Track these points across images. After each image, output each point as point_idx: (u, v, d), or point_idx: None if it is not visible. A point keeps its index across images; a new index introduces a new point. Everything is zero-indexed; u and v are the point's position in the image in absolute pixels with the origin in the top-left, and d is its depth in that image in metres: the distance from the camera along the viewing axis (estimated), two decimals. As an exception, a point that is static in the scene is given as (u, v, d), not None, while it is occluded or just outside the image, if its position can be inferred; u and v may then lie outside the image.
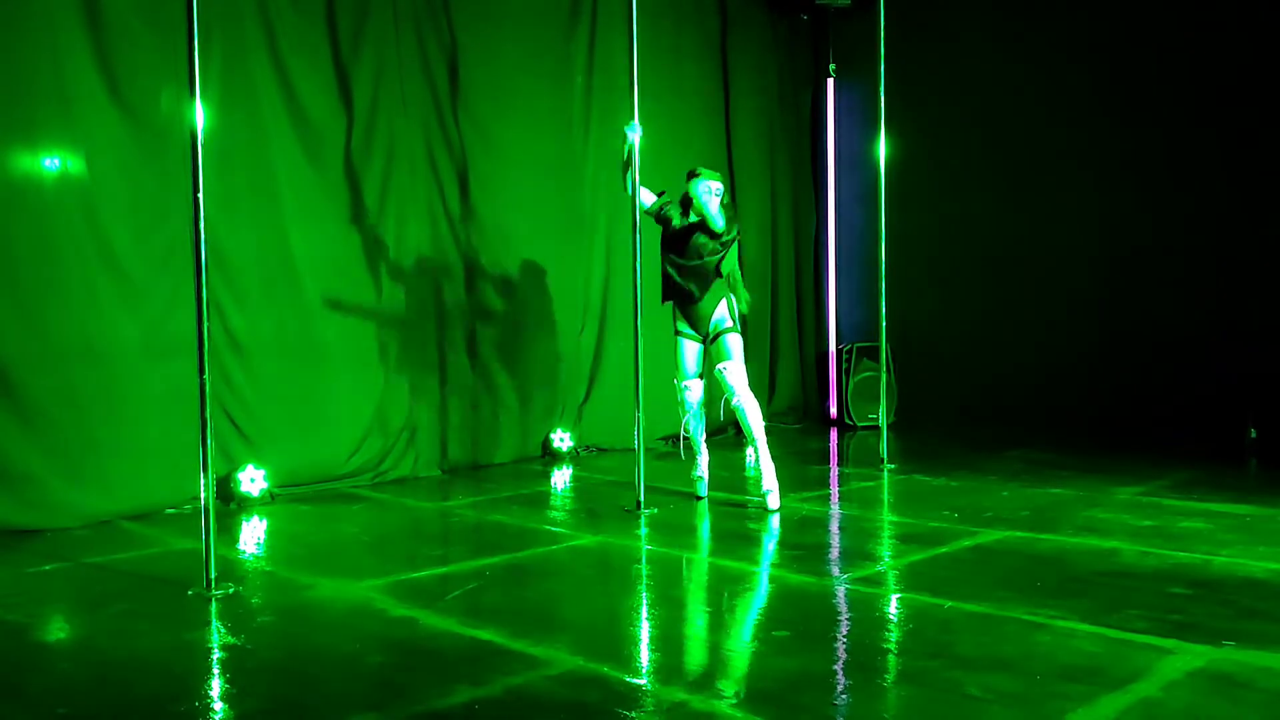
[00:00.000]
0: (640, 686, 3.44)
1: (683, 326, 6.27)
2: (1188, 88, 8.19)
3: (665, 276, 6.23)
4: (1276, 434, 7.74)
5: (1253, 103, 7.89)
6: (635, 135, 6.08)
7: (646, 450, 6.19)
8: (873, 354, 9.23)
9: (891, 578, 4.71)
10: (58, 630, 4.36)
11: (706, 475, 6.50)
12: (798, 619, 4.14)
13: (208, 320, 4.61)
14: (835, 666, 3.63)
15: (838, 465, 8.02)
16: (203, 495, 4.55)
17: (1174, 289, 8.31)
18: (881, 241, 7.44)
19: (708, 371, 6.34)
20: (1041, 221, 8.98)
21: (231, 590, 4.56)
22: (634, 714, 3.22)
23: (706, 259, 6.11)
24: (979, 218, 9.34)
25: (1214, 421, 7.99)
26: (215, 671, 3.71)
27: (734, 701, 3.29)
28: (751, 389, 6.16)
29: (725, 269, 6.15)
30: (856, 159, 10.04)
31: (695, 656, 3.85)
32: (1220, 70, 8.04)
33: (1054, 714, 3.14)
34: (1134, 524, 5.53)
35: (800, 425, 9.93)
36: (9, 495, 5.68)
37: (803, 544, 5.37)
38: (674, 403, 6.45)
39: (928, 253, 9.40)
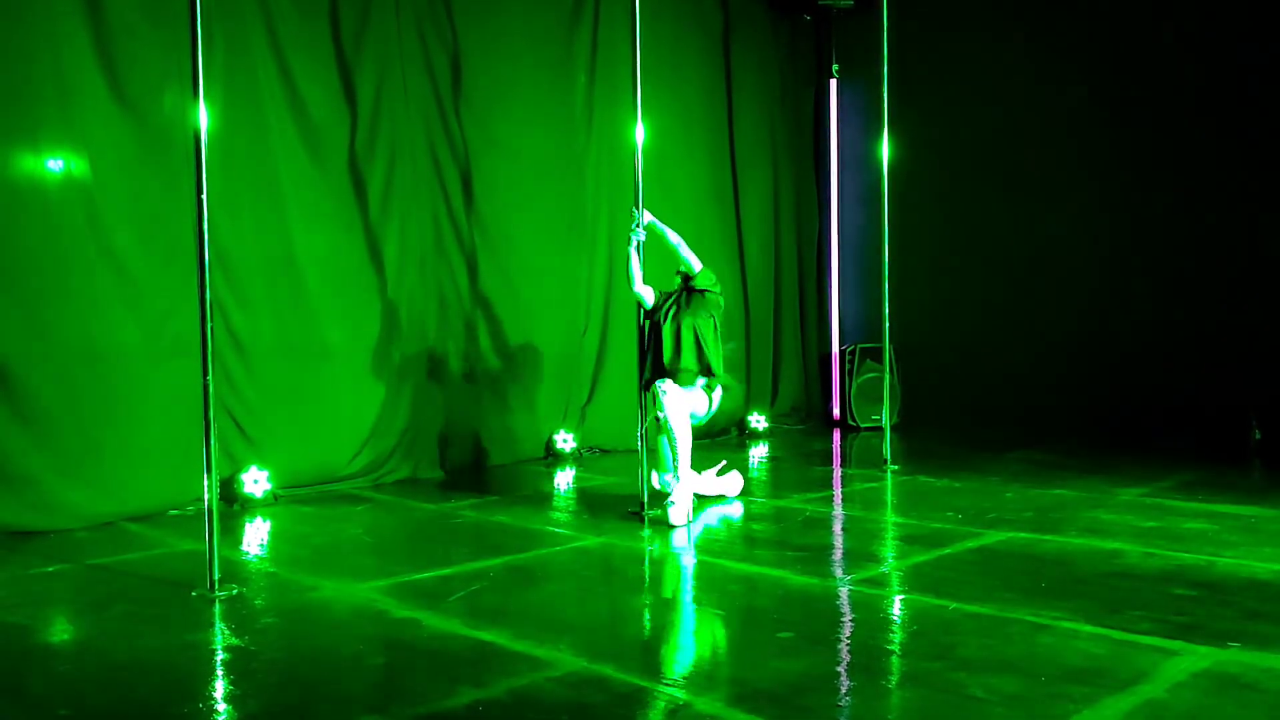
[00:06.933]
0: (643, 688, 3.44)
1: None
2: (1191, 88, 8.18)
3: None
4: (1280, 435, 7.73)
5: (1255, 104, 7.88)
6: (640, 235, 6.05)
7: (649, 451, 6.17)
8: (876, 355, 9.22)
9: (895, 579, 4.71)
10: (60, 632, 4.35)
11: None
12: (801, 620, 4.13)
13: (211, 321, 4.61)
14: (838, 668, 3.63)
15: (841, 466, 8.01)
16: (206, 496, 4.55)
17: (1178, 290, 8.29)
18: (884, 242, 7.43)
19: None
20: (1044, 222, 8.97)
21: (235, 592, 4.56)
22: (637, 715, 3.22)
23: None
24: (982, 218, 9.34)
25: (1218, 422, 7.98)
26: (218, 673, 3.71)
27: (737, 703, 3.29)
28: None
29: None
30: (859, 159, 10.03)
31: (698, 658, 3.85)
32: (1224, 72, 8.03)
33: (1058, 715, 3.13)
34: (1138, 525, 5.52)
35: (803, 426, 9.92)
36: (11, 496, 5.68)
37: (806, 545, 5.36)
38: None
39: (931, 253, 9.39)
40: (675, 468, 5.96)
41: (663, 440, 6.12)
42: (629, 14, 6.22)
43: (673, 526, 5.74)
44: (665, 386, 5.92)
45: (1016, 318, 9.15)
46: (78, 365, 5.92)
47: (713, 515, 6.14)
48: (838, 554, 5.28)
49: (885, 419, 7.69)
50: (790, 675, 3.52)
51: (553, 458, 8.12)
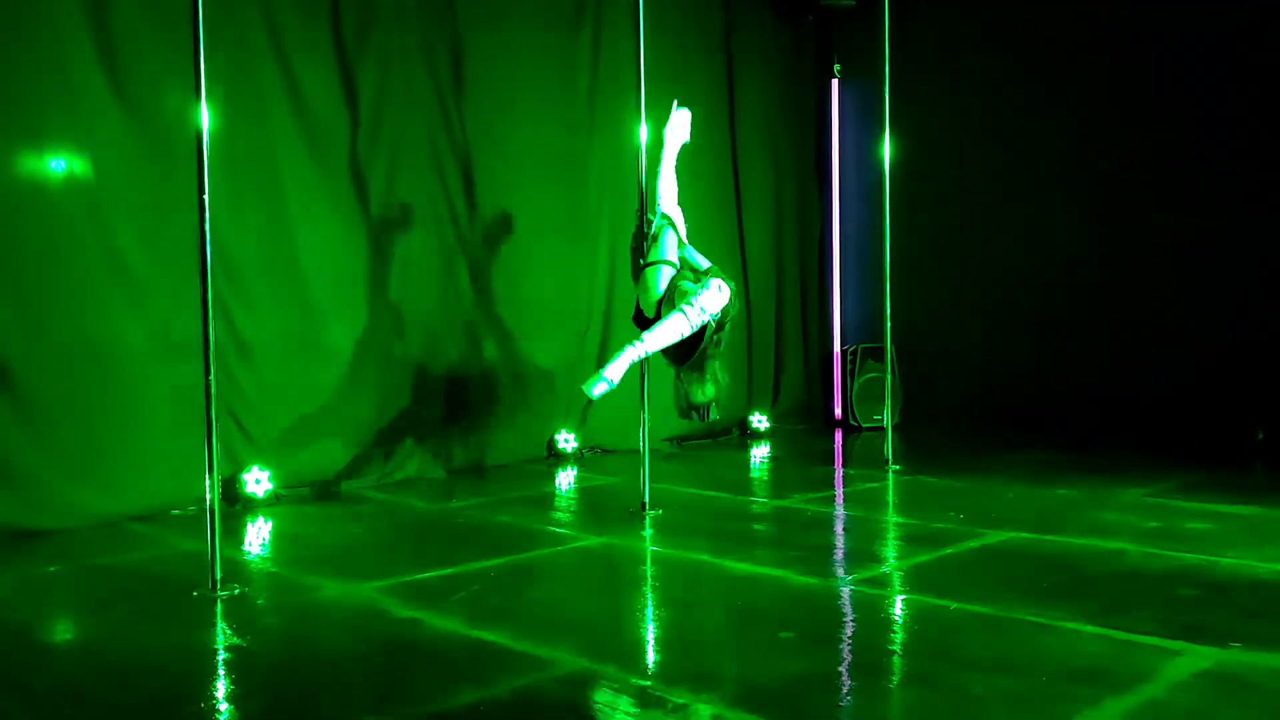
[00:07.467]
0: (645, 688, 3.44)
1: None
2: (1191, 88, 8.16)
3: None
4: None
5: (1257, 104, 7.87)
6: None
7: (651, 451, 6.17)
8: (877, 355, 9.22)
9: (896, 579, 4.70)
10: (63, 631, 4.36)
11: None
12: (803, 620, 4.13)
13: (213, 321, 4.61)
14: (840, 668, 3.63)
15: (843, 466, 8.00)
16: (208, 496, 4.56)
17: (1180, 289, 8.27)
18: (886, 242, 7.43)
19: None
20: (1047, 222, 8.95)
21: (237, 591, 4.56)
22: (639, 715, 3.22)
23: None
24: (984, 218, 9.32)
25: (1220, 423, 7.97)
26: (220, 673, 3.72)
27: (738, 703, 3.29)
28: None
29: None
30: (861, 159, 10.02)
31: (700, 658, 3.85)
32: (1225, 72, 8.02)
33: (1060, 716, 3.13)
34: (1140, 525, 5.51)
35: (805, 426, 9.91)
36: (14, 496, 5.68)
37: (808, 545, 5.36)
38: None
39: (932, 253, 9.38)
40: (640, 340, 5.32)
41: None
42: (631, 15, 6.22)
43: (590, 398, 5.38)
44: (721, 283, 5.35)
45: (1018, 318, 9.14)
46: (80, 365, 5.92)
47: (713, 515, 6.14)
48: (839, 554, 5.28)
49: (887, 419, 7.69)
50: (791, 675, 3.52)
51: (554, 458, 8.12)
